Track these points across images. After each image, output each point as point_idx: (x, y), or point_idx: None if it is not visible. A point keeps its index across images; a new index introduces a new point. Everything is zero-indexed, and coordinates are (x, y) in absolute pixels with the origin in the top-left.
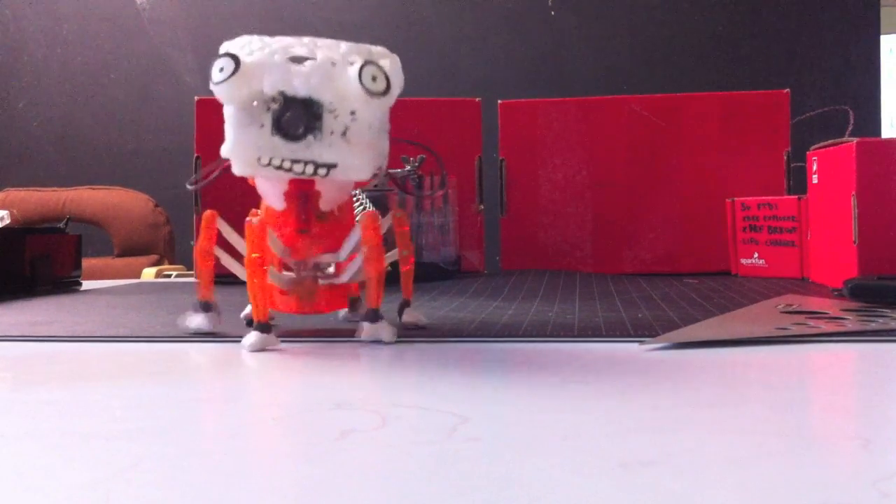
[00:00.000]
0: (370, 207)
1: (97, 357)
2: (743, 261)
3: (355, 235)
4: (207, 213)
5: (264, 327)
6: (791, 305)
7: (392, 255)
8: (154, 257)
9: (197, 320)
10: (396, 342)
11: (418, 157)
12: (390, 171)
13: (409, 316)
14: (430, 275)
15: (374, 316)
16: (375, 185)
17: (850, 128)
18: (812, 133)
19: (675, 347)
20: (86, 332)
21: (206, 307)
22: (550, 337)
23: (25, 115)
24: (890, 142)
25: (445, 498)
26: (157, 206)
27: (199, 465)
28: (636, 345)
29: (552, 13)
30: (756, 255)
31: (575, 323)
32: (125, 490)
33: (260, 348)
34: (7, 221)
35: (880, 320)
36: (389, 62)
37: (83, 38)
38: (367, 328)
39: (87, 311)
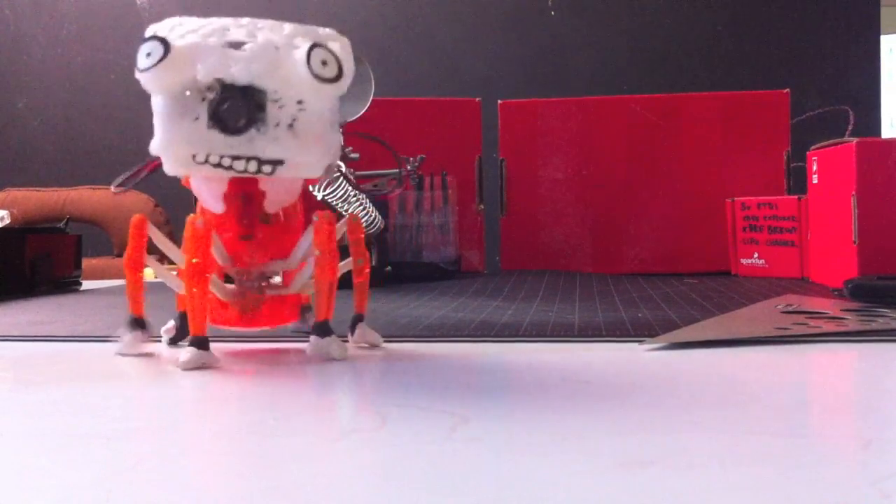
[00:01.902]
0: (371, 209)
1: (97, 357)
2: (743, 261)
3: (307, 240)
4: (136, 217)
5: (202, 342)
6: (791, 305)
7: (346, 265)
8: (154, 257)
9: (124, 340)
10: (401, 342)
11: (418, 157)
12: (387, 171)
13: (362, 334)
14: (430, 275)
15: (322, 329)
16: (375, 185)
17: (850, 128)
18: (812, 133)
19: (675, 347)
20: (86, 332)
21: (136, 324)
22: (550, 337)
23: (26, 114)
24: (890, 142)
25: (445, 498)
26: (157, 205)
27: (199, 465)
28: (636, 345)
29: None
30: (756, 255)
31: (575, 323)
32: (125, 490)
33: (196, 366)
34: (7, 221)
35: (880, 320)
36: (339, 45)
37: (83, 38)
38: (313, 343)
39: (87, 311)
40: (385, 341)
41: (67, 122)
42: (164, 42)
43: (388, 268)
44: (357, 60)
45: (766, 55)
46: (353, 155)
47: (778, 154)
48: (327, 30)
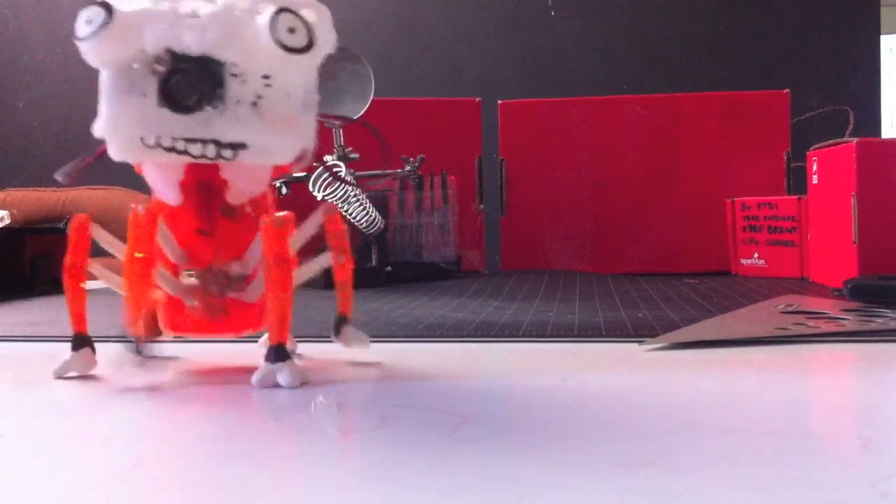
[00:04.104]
0: (370, 208)
1: (97, 357)
2: (743, 261)
3: (257, 245)
4: (77, 218)
5: (137, 348)
6: (791, 305)
7: (324, 260)
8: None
9: (65, 363)
10: (402, 341)
11: (418, 157)
12: (393, 171)
13: (348, 336)
14: (430, 275)
15: (275, 355)
16: (375, 186)
17: (850, 128)
18: (812, 133)
19: (675, 347)
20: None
21: (79, 342)
22: (550, 337)
23: (25, 114)
24: (890, 142)
25: (445, 498)
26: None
27: (199, 465)
28: (636, 345)
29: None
30: (756, 255)
31: (575, 323)
32: (125, 490)
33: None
34: (7, 221)
35: (880, 320)
36: (315, 12)
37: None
38: (261, 369)
39: (88, 311)
40: (385, 341)
41: (67, 122)
42: (107, 6)
43: (388, 268)
44: (356, 60)
45: (766, 55)
46: (352, 155)
47: (778, 154)
48: None
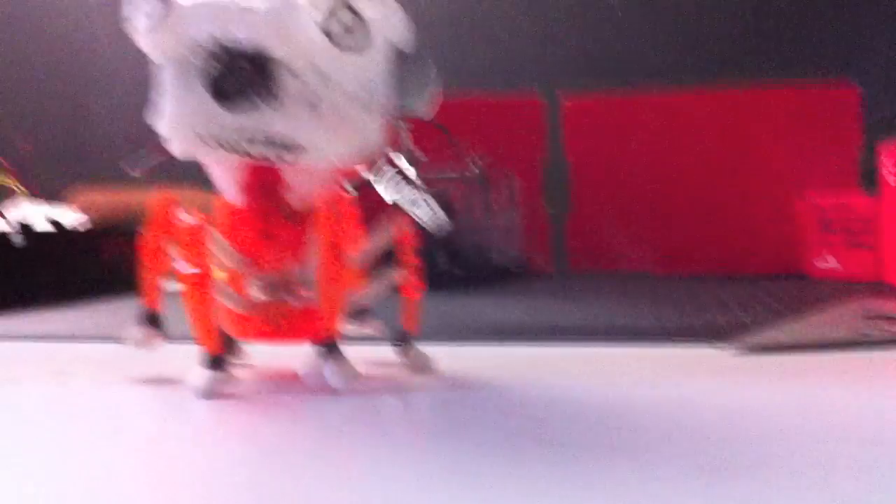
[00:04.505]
0: (437, 210)
1: (178, 358)
2: (817, 262)
3: (313, 237)
4: (161, 197)
5: (216, 362)
6: (871, 310)
7: (393, 277)
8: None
9: (132, 335)
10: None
11: (482, 157)
12: (459, 172)
13: (414, 360)
14: (497, 276)
15: (328, 350)
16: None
17: None
18: (888, 130)
19: (754, 352)
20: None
21: (149, 319)
22: (622, 340)
23: (99, 113)
24: None
25: (528, 500)
26: None
27: (276, 469)
28: (712, 349)
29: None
30: (830, 256)
31: (649, 326)
32: (210, 493)
33: (213, 392)
34: (84, 226)
35: None
36: (379, 8)
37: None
38: (310, 364)
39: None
40: (455, 345)
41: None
42: (165, 0)
43: (456, 270)
44: (421, 59)
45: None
46: (419, 156)
47: (850, 152)
48: None
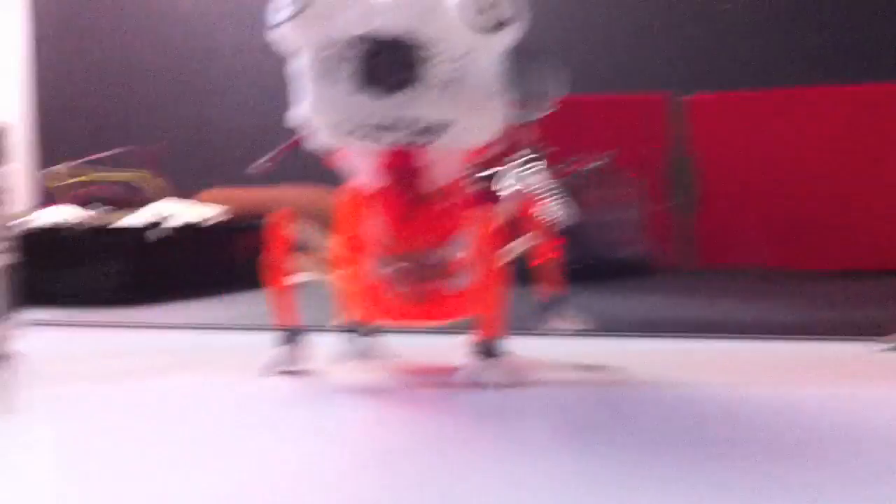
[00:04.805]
0: (563, 201)
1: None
2: None
3: (463, 236)
4: (278, 213)
5: (362, 330)
6: None
7: (521, 244)
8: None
9: (274, 359)
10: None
11: (607, 153)
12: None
13: (561, 318)
14: (622, 271)
15: (484, 351)
16: (573, 175)
17: None
18: None
19: None
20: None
21: (289, 337)
22: (768, 334)
23: (224, 114)
24: None
25: (704, 495)
26: None
27: (418, 467)
28: (863, 345)
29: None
30: None
31: (792, 320)
32: (350, 489)
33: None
34: (221, 218)
35: None
36: None
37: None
38: (468, 365)
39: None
40: (594, 336)
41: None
42: None
43: (581, 264)
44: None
45: None
46: (546, 149)
47: None
48: None
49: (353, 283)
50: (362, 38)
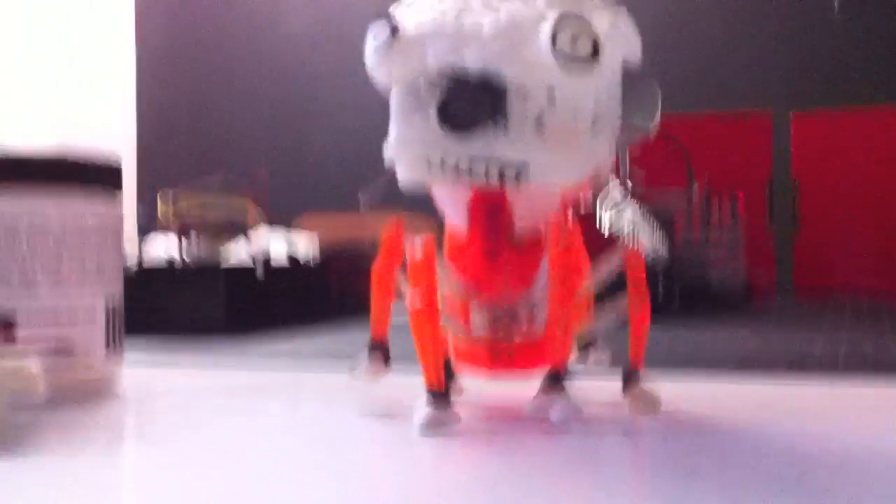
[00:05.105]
0: (656, 231)
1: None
2: None
3: (543, 273)
4: (392, 221)
5: (440, 398)
6: None
7: (621, 307)
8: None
9: (361, 367)
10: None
11: (706, 176)
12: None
13: (639, 399)
14: (719, 299)
15: (553, 383)
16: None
17: None
18: None
19: None
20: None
21: (376, 348)
22: (873, 371)
23: (323, 146)
24: None
25: None
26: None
27: None
28: None
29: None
30: None
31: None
32: None
33: (438, 429)
34: (316, 251)
35: None
36: (608, 17)
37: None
38: (535, 399)
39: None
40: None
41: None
42: (391, 23)
43: (676, 293)
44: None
45: None
46: (636, 175)
47: None
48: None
49: (432, 336)
50: (452, 74)
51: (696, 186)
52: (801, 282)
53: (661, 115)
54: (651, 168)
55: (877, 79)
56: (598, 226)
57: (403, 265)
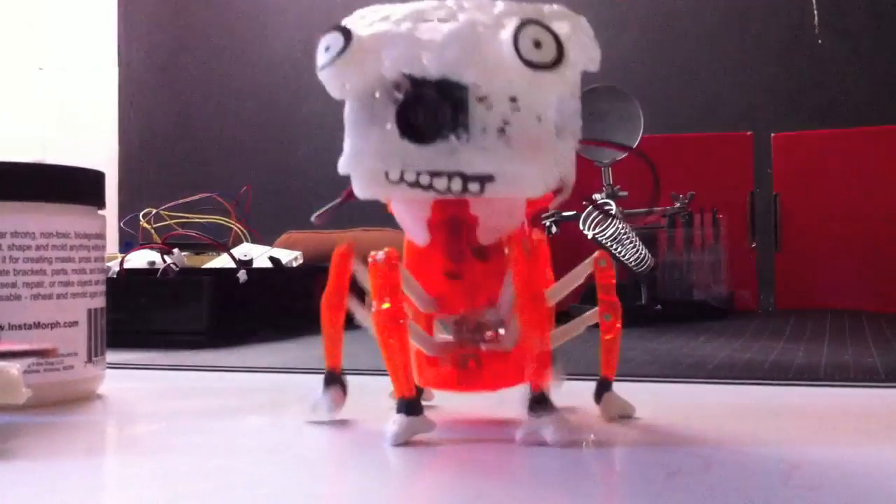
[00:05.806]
0: (640, 247)
1: (370, 391)
2: None
3: (509, 286)
4: (339, 249)
5: (411, 406)
6: None
7: (592, 317)
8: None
9: (315, 403)
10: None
11: (688, 194)
12: (663, 208)
13: (610, 404)
14: (702, 313)
15: (538, 406)
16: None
17: None
18: None
19: None
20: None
21: (331, 379)
22: (855, 381)
23: (306, 161)
24: None
25: None
26: None
27: None
28: None
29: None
30: None
31: (878, 366)
32: None
33: (408, 438)
34: (300, 261)
35: None
36: (568, 24)
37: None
38: (524, 423)
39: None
40: (671, 382)
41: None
42: (345, 32)
43: (658, 306)
44: (623, 97)
45: None
46: (621, 193)
47: None
48: (554, 7)
49: (399, 345)
50: (409, 81)
51: (677, 206)
52: (782, 296)
53: (646, 136)
54: (632, 186)
55: (859, 101)
56: (581, 235)
57: (353, 289)
